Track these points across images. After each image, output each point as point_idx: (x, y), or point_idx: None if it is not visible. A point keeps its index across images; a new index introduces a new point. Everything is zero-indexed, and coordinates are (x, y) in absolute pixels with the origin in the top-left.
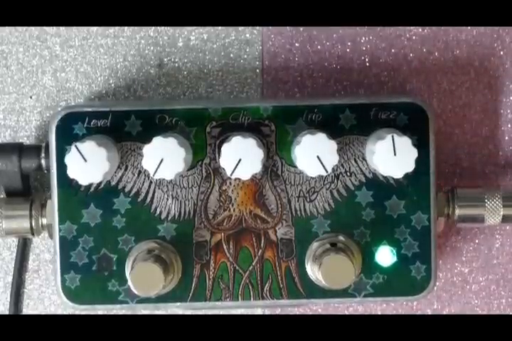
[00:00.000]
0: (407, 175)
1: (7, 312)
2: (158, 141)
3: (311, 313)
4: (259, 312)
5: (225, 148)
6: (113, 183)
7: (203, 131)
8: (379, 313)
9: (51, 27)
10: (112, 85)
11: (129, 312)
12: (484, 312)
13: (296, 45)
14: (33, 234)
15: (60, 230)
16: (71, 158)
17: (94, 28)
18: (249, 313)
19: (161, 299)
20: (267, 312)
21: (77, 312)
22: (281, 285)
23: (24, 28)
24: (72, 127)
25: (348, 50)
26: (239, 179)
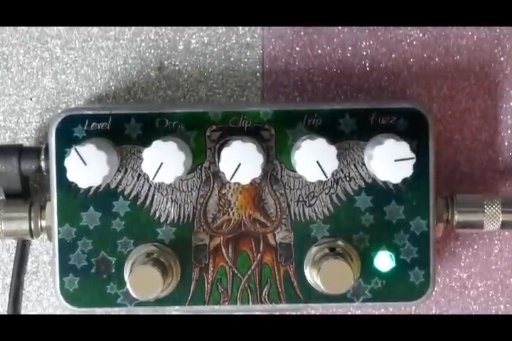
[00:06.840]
0: (406, 181)
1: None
2: (157, 144)
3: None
4: None
5: (225, 152)
6: (112, 186)
7: (202, 134)
8: None
9: (52, 29)
10: (112, 88)
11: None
12: None
13: (297, 49)
14: (32, 236)
15: (59, 232)
16: (71, 162)
17: (95, 31)
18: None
19: (160, 302)
20: None
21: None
22: (280, 290)
23: (25, 29)
24: (72, 130)
25: (348, 54)
26: (238, 183)
